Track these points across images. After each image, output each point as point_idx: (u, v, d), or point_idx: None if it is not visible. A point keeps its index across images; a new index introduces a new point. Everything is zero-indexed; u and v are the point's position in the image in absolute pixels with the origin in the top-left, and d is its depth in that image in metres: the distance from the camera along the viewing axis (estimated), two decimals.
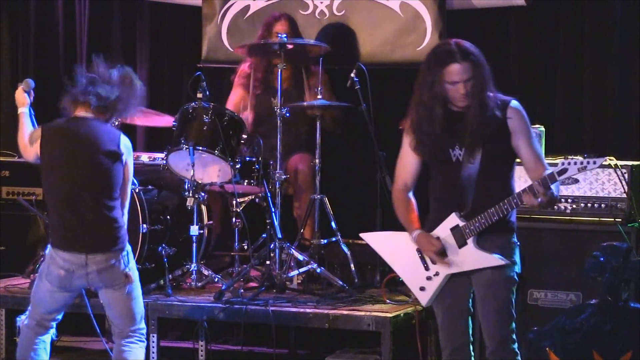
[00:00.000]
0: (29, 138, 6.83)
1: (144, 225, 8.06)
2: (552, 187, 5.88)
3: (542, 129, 7.62)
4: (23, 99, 7.01)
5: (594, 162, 5.83)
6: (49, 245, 6.85)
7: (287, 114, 8.00)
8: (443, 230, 6.08)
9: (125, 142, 6.79)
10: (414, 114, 6.15)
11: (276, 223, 7.95)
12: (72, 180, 6.69)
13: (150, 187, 8.33)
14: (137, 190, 7.93)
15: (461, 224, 6.03)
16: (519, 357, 6.05)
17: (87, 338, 8.09)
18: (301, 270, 8.01)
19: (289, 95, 8.11)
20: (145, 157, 8.43)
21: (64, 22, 10.09)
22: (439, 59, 6.07)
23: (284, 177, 8.07)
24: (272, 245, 7.98)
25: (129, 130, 8.73)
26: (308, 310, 7.62)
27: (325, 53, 8.34)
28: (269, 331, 8.09)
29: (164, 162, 8.10)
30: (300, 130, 8.37)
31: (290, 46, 8.03)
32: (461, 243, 6.05)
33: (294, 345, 8.73)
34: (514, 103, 6.10)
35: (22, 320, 7.11)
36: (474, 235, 6.01)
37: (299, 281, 8.06)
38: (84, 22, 10.06)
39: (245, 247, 8.29)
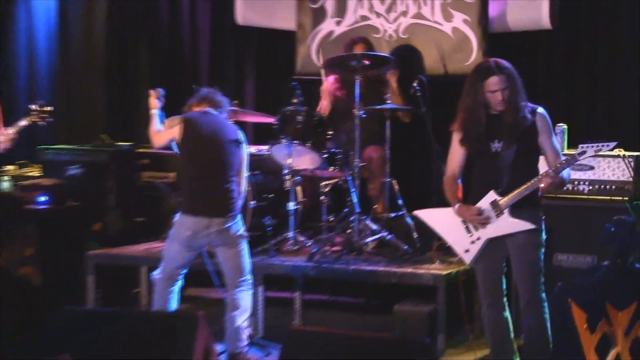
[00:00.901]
0: (167, 124, 7.07)
1: (253, 202, 8.07)
2: (564, 173, 6.09)
3: (565, 127, 7.55)
4: (154, 103, 7.17)
5: (607, 145, 6.02)
6: (178, 214, 6.91)
7: (364, 115, 7.98)
8: (484, 203, 6.18)
9: (240, 133, 7.02)
10: (461, 117, 6.27)
11: (355, 200, 7.92)
12: (205, 159, 6.85)
13: (257, 172, 8.34)
14: (248, 175, 7.93)
15: (498, 198, 6.12)
16: (546, 304, 6.10)
17: (207, 289, 8.08)
18: (374, 237, 7.97)
19: (365, 100, 8.05)
20: (253, 149, 8.43)
21: (190, 42, 10.11)
22: (481, 73, 6.20)
23: (360, 164, 8.04)
24: (352, 217, 7.94)
25: (243, 123, 8.78)
26: (380, 269, 7.60)
27: (393, 67, 8.30)
28: (349, 285, 8.08)
29: (268, 153, 8.11)
30: (374, 128, 8.30)
31: (366, 62, 7.99)
32: (498, 213, 6.14)
33: (369, 296, 8.71)
34: (540, 110, 6.21)
35: (156, 275, 7.15)
36: (508, 207, 6.08)
37: (373, 246, 8.00)
38: (205, 42, 10.08)
39: (331, 219, 8.29)
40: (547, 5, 8.54)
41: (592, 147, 6.02)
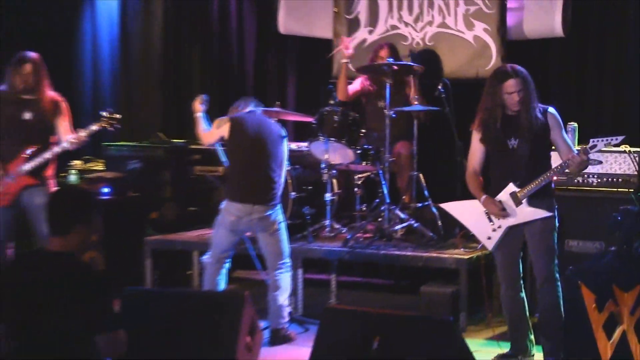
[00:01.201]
0: (215, 124, 7.11)
1: (293, 193, 8.08)
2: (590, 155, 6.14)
3: (576, 125, 7.52)
4: (198, 107, 7.25)
5: (616, 139, 6.09)
6: (224, 201, 6.95)
7: (393, 115, 7.97)
8: (503, 195, 6.23)
9: (282, 130, 7.09)
10: (480, 116, 6.32)
11: (385, 192, 7.91)
12: (250, 154, 6.91)
13: (297, 166, 8.36)
14: (289, 169, 7.96)
15: (517, 190, 6.16)
16: (559, 283, 6.15)
17: (251, 272, 8.11)
18: (403, 225, 7.97)
19: (394, 101, 8.03)
20: (294, 146, 8.45)
21: (237, 50, 10.15)
22: (499, 76, 6.24)
23: (390, 159, 8.03)
24: (383, 207, 7.94)
25: (284, 122, 8.79)
26: (408, 253, 7.60)
27: (420, 72, 8.29)
28: (380, 268, 8.08)
29: (307, 149, 8.12)
30: (402, 126, 8.29)
31: (395, 67, 7.99)
32: (517, 203, 6.18)
33: (397, 278, 8.71)
34: (551, 109, 6.27)
35: (205, 258, 7.19)
36: (526, 197, 6.13)
37: (401, 233, 8.00)
38: (250, 49, 10.12)
39: (364, 208, 8.29)
40: (560, 16, 8.50)
41: (603, 140, 6.06)
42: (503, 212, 6.20)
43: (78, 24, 10.56)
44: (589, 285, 5.54)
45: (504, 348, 6.54)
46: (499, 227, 6.29)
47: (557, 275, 6.22)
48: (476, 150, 6.40)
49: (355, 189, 8.28)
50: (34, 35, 9.94)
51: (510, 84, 6.15)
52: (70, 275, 4.47)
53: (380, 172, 7.96)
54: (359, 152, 7.97)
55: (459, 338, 5.75)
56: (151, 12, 10.40)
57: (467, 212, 6.49)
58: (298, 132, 9.42)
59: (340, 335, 5.83)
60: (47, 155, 7.28)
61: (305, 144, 8.16)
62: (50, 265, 4.51)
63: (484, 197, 6.28)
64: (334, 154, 7.97)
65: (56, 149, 7.29)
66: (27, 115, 7.36)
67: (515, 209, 6.21)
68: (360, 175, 8.30)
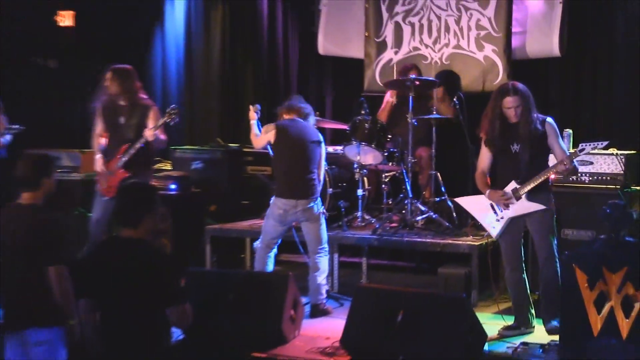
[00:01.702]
0: (264, 130, 7.10)
1: (330, 189, 8.07)
2: (575, 162, 6.15)
3: (571, 131, 7.47)
4: (253, 115, 7.27)
5: (602, 143, 6.14)
6: (273, 197, 6.95)
7: (415, 123, 7.94)
8: (506, 189, 6.26)
9: (320, 135, 7.09)
10: (485, 125, 6.35)
11: (408, 188, 7.88)
12: (294, 157, 6.88)
13: (333, 166, 8.34)
14: (327, 169, 7.94)
15: (518, 186, 6.19)
16: (558, 261, 6.19)
17: (295, 255, 8.11)
18: (423, 216, 7.93)
19: (417, 111, 8.00)
20: (330, 149, 8.43)
21: (283, 67, 10.16)
22: (501, 93, 6.30)
23: (412, 160, 8.01)
24: (406, 201, 7.90)
25: (323, 129, 8.78)
26: (427, 240, 7.58)
27: (438, 86, 8.26)
28: (404, 252, 8.06)
29: (342, 151, 8.11)
30: (423, 132, 8.25)
31: (417, 82, 7.96)
32: (517, 198, 6.21)
33: (419, 261, 8.68)
34: (549, 119, 6.29)
35: (257, 244, 7.20)
36: (525, 192, 6.16)
37: (422, 223, 7.96)
38: (294, 67, 10.12)
39: (390, 202, 8.27)
40: (557, 38, 8.45)
41: (590, 145, 6.08)
42: (504, 198, 6.23)
43: (150, 45, 10.61)
44: (582, 267, 5.50)
45: (509, 321, 6.51)
46: (502, 217, 6.34)
47: (557, 254, 6.22)
48: (484, 155, 6.45)
49: (383, 186, 8.26)
50: (114, 56, 10.01)
51: (509, 101, 6.22)
52: (144, 258, 4.49)
53: (404, 171, 7.94)
54: (386, 154, 7.95)
55: (471, 312, 5.75)
56: (212, 36, 10.42)
57: (476, 205, 6.56)
58: (334, 137, 9.41)
59: (370, 310, 5.84)
60: (132, 151, 7.32)
61: (340, 147, 8.14)
62: (126, 250, 4.53)
63: (488, 190, 6.34)
64: (364, 156, 7.96)
65: (137, 145, 7.32)
66: (122, 120, 7.44)
67: (516, 202, 6.24)
68: (387, 174, 8.28)
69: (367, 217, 8.10)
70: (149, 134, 7.27)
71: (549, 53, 8.56)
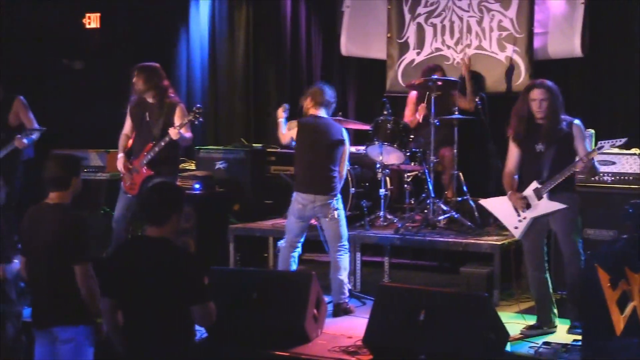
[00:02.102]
0: (287, 126, 7.12)
1: (353, 188, 8.06)
2: (594, 162, 6.11)
3: (593, 131, 7.42)
4: (281, 114, 7.26)
5: (620, 141, 6.08)
6: (294, 193, 6.94)
7: (437, 123, 7.93)
8: (528, 191, 6.23)
9: (345, 133, 7.02)
10: (513, 122, 6.31)
11: (430, 188, 7.86)
12: (314, 153, 6.88)
13: (356, 166, 8.33)
14: (349, 168, 7.94)
15: (540, 186, 6.14)
16: (583, 258, 6.13)
17: (318, 254, 8.11)
18: (445, 216, 7.90)
19: (439, 111, 7.99)
20: (353, 149, 8.42)
21: (306, 68, 10.15)
22: (529, 86, 6.28)
23: (435, 160, 7.98)
24: (428, 201, 7.89)
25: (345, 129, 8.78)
26: (450, 240, 7.55)
27: (460, 87, 8.24)
28: (426, 251, 8.03)
29: (364, 151, 8.10)
30: (445, 133, 8.23)
31: (440, 83, 7.94)
32: (539, 197, 6.17)
33: (441, 260, 8.65)
34: (577, 121, 6.22)
35: (281, 243, 7.20)
36: (546, 192, 6.12)
37: (444, 222, 7.93)
38: (317, 68, 10.12)
39: (412, 202, 8.24)
40: (579, 39, 8.38)
41: (608, 142, 6.05)
42: (523, 204, 6.20)
43: (175, 46, 10.65)
44: (604, 267, 5.46)
45: (530, 320, 6.48)
46: (524, 218, 6.30)
47: (582, 251, 6.20)
48: (512, 153, 6.41)
49: (405, 186, 8.25)
50: (139, 57, 10.05)
51: (535, 93, 6.18)
52: (169, 257, 4.49)
53: (426, 171, 7.92)
54: (408, 154, 7.92)
55: (493, 311, 5.72)
56: (236, 37, 10.43)
57: (499, 206, 6.52)
58: (357, 137, 9.39)
59: (392, 308, 5.82)
60: (157, 148, 7.34)
61: (363, 147, 8.14)
62: (151, 249, 4.54)
63: (509, 192, 6.32)
64: (387, 155, 7.94)
65: (162, 142, 7.34)
66: (148, 117, 7.46)
67: (538, 202, 6.20)
68: (409, 174, 8.27)
69: (389, 216, 8.08)
70: (173, 132, 7.28)
71: (570, 53, 8.50)
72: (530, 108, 6.18)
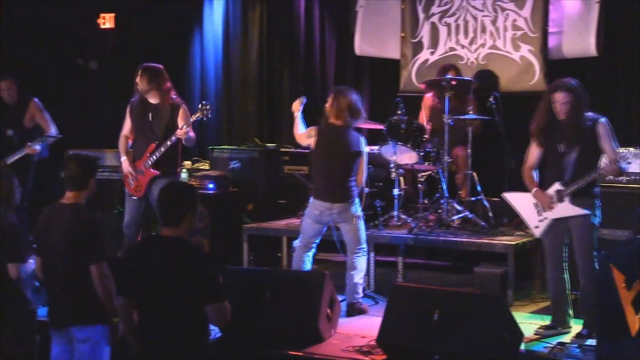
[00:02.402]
0: (307, 133, 7.03)
1: (367, 188, 8.04)
2: (621, 163, 6.03)
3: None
4: (297, 107, 7.18)
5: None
6: (311, 198, 6.94)
7: (452, 123, 7.91)
8: (550, 191, 6.16)
9: (363, 143, 6.94)
10: (535, 120, 6.26)
11: (444, 187, 7.85)
12: (330, 163, 6.85)
13: (370, 166, 8.24)
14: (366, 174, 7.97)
15: (562, 188, 6.08)
16: (596, 272, 6.00)
17: (332, 254, 8.10)
18: (459, 216, 7.88)
19: (453, 111, 7.98)
20: (367, 149, 8.40)
21: (320, 68, 10.14)
22: (552, 87, 6.21)
23: (449, 160, 7.96)
24: (442, 200, 7.88)
25: (359, 129, 8.76)
26: (464, 240, 7.53)
27: (474, 86, 8.21)
28: (439, 251, 8.02)
29: (378, 151, 8.08)
30: (459, 132, 8.20)
31: (454, 82, 7.92)
32: (560, 200, 6.10)
33: (454, 260, 8.64)
34: (602, 120, 6.14)
35: (296, 243, 7.19)
36: (568, 195, 6.05)
37: (458, 222, 7.90)
38: (331, 67, 10.11)
39: (426, 201, 8.21)
40: (594, 38, 8.33)
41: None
42: (551, 203, 6.15)
43: (189, 46, 10.67)
44: (620, 267, 5.43)
45: (546, 320, 6.45)
46: (545, 218, 6.26)
47: (595, 264, 6.10)
48: (533, 150, 6.36)
49: (419, 185, 8.22)
50: (153, 57, 10.08)
51: (558, 96, 6.11)
52: (184, 257, 4.50)
53: (440, 171, 7.90)
54: (422, 154, 7.91)
55: (507, 311, 5.69)
56: (249, 37, 10.43)
57: (522, 202, 6.47)
58: (371, 137, 9.36)
59: (406, 308, 5.81)
60: (162, 149, 7.34)
61: (377, 147, 8.11)
62: (166, 248, 4.54)
63: (535, 189, 6.26)
64: (401, 155, 7.92)
65: (167, 143, 7.33)
66: (150, 118, 7.45)
67: (559, 204, 6.15)
68: (423, 174, 8.24)
69: (403, 216, 8.07)
70: (180, 132, 7.27)
71: (585, 53, 8.46)
72: (552, 109, 6.15)
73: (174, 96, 7.53)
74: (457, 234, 7.69)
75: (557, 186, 6.15)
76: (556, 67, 8.54)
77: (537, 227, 6.32)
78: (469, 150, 8.04)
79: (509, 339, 5.52)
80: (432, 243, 7.70)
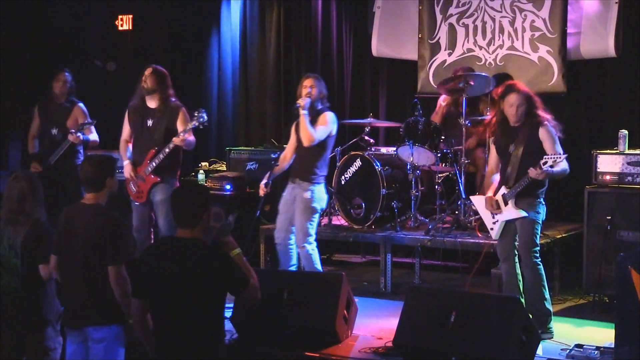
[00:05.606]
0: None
1: (384, 189, 8.03)
2: (557, 168, 6.04)
3: (626, 132, 7.33)
4: (303, 103, 7.25)
5: (559, 156, 6.00)
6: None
7: (469, 124, 7.89)
8: (498, 195, 6.36)
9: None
10: (492, 125, 6.57)
11: (461, 189, 7.83)
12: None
13: (387, 167, 8.29)
14: (380, 169, 7.93)
15: (505, 192, 6.27)
16: (540, 267, 6.33)
17: (348, 255, 8.09)
18: (476, 217, 7.84)
19: (470, 112, 7.96)
20: (384, 150, 8.42)
21: (337, 69, 10.13)
22: (504, 92, 6.37)
23: (466, 161, 7.94)
24: (459, 202, 7.88)
25: (376, 130, 8.76)
26: (480, 241, 7.50)
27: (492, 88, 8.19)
28: (456, 252, 7.99)
29: (395, 152, 8.07)
30: (480, 134, 8.20)
31: (472, 82, 7.91)
32: (505, 203, 6.31)
33: (471, 261, 8.60)
34: (545, 124, 6.23)
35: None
36: (512, 198, 6.24)
37: (475, 223, 7.89)
38: (348, 69, 10.09)
39: (443, 203, 8.19)
40: (612, 39, 8.30)
41: (551, 157, 5.98)
42: (497, 207, 6.33)
43: (206, 47, 10.68)
44: (638, 268, 5.40)
45: (562, 322, 6.43)
46: (497, 220, 6.44)
47: (536, 260, 6.31)
48: (492, 154, 6.57)
49: (436, 187, 8.20)
50: (170, 58, 10.12)
51: (510, 99, 6.27)
52: (201, 259, 4.50)
53: (457, 172, 7.89)
54: (439, 155, 7.90)
55: (525, 313, 5.67)
56: (267, 38, 10.44)
57: (481, 204, 6.61)
58: (388, 138, 9.38)
59: (422, 310, 5.80)
60: (161, 155, 7.32)
61: (394, 148, 8.11)
62: (183, 250, 4.54)
63: (488, 194, 6.45)
64: (418, 156, 7.92)
65: (166, 149, 7.31)
66: (150, 122, 7.44)
67: (505, 207, 6.32)
68: (440, 175, 8.22)
69: (420, 217, 8.06)
70: (177, 140, 7.23)
71: (604, 54, 8.42)
72: (504, 111, 6.27)
73: (173, 99, 7.49)
74: (474, 235, 7.67)
75: (502, 190, 6.35)
76: (575, 68, 8.51)
77: (492, 229, 6.52)
78: (487, 152, 8.02)
79: (527, 340, 5.50)
80: (449, 244, 7.68)
